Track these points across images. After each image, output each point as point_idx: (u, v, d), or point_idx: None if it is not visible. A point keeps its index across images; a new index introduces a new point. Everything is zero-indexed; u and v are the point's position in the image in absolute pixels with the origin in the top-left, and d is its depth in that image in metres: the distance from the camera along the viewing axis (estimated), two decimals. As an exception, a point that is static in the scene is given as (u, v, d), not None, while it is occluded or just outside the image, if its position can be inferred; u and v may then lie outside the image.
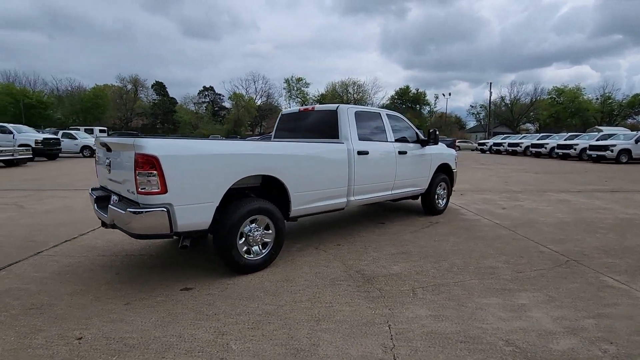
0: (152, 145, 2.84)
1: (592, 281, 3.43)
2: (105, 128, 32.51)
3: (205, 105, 65.42)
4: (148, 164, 2.81)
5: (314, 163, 4.07)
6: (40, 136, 19.38)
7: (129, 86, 65.32)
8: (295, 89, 64.83)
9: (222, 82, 79.84)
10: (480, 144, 36.08)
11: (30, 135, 19.40)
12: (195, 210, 3.08)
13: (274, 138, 5.58)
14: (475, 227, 5.44)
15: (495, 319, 2.70)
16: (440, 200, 6.33)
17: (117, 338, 2.40)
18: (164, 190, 2.87)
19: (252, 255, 3.54)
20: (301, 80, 64.64)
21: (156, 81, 62.09)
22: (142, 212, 2.83)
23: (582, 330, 2.55)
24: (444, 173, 6.40)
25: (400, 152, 5.26)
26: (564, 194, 8.84)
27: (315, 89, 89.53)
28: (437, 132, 5.75)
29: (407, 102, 70.42)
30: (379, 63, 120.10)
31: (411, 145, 5.58)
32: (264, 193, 3.90)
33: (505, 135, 35.79)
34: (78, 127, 29.11)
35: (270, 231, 3.66)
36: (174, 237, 3.16)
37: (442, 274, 3.60)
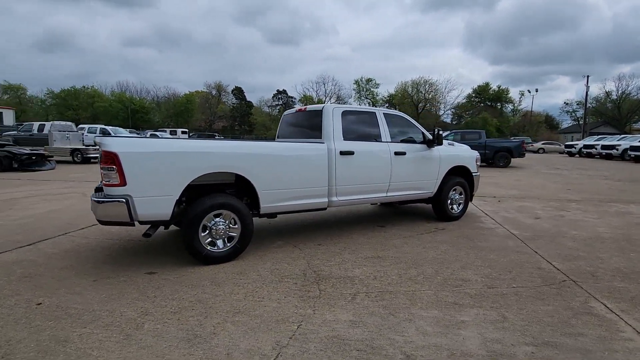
0: (113, 143, 3.25)
1: (574, 306, 2.92)
2: (187, 130, 36.43)
3: (278, 107, 68.87)
4: (109, 159, 3.22)
5: (286, 162, 4.15)
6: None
7: (214, 92, 72.13)
8: (365, 89, 64.54)
9: (294, 85, 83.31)
10: (567, 146, 31.61)
11: (132, 137, 22.64)
12: (154, 202, 3.42)
13: (277, 138, 5.78)
14: (481, 236, 4.94)
15: (416, 332, 2.51)
16: (455, 206, 5.86)
17: (65, 307, 2.82)
18: (123, 183, 3.26)
19: (216, 248, 3.78)
20: (371, 81, 64.16)
21: (236, 86, 67.43)
22: (104, 201, 3.25)
23: (509, 357, 2.23)
24: (461, 176, 5.92)
25: (397, 153, 5.03)
26: (633, 205, 7.42)
27: (385, 90, 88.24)
28: (441, 132, 5.34)
29: (487, 100, 65.02)
30: (462, 59, 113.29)
31: (413, 145, 5.28)
32: (241, 190, 4.11)
33: (600, 136, 30.78)
34: (165, 129, 33.19)
35: (236, 226, 3.86)
36: (135, 225, 3.53)
37: (401, 281, 3.40)
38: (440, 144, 5.36)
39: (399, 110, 6.02)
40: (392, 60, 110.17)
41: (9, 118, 48.12)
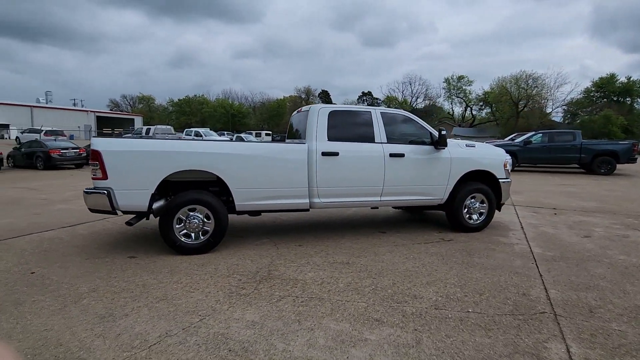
0: (98, 143, 3.79)
1: (523, 343, 2.38)
2: (271, 132, 39.01)
3: (363, 109, 68.98)
4: (94, 156, 3.76)
5: (260, 162, 4.24)
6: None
7: (303, 95, 75.76)
8: (456, 87, 60.11)
9: (379, 86, 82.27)
10: None
11: (213, 138, 25.49)
12: (132, 194, 3.87)
13: (287, 138, 5.89)
14: (487, 252, 4.28)
15: (305, 343, 2.36)
16: (474, 215, 5.17)
17: (47, 277, 3.41)
18: (105, 177, 3.77)
19: (190, 240, 4.09)
20: (463, 78, 59.42)
21: (322, 90, 69.60)
22: (91, 192, 3.82)
23: (377, 385, 1.96)
24: (483, 182, 5.20)
25: (392, 155, 4.69)
26: None
27: (479, 87, 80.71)
28: (444, 133, 4.75)
29: (611, 94, 54.34)
30: (587, 49, 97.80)
31: (415, 147, 4.84)
32: (224, 188, 4.35)
33: None
34: (251, 132, 36.18)
35: (210, 221, 4.11)
36: (117, 213, 4.03)
37: (344, 290, 3.21)
38: (444, 145, 4.79)
39: (496, 109, 5.55)
40: (496, 55, 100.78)
41: (138, 123, 58.24)
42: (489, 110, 61.04)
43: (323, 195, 4.51)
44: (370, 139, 4.70)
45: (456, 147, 5.07)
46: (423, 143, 4.90)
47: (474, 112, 63.95)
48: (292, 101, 75.18)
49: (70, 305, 2.86)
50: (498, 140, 19.99)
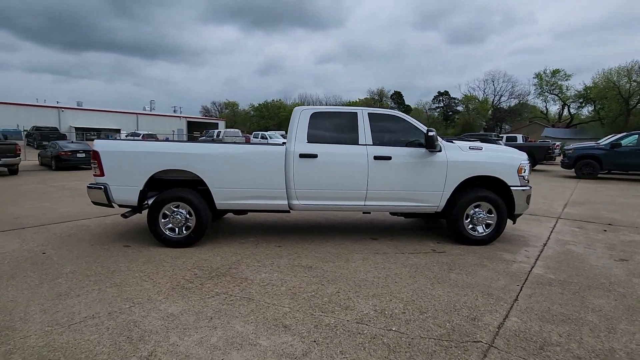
0: (97, 144, 4.34)
1: (420, 372, 2.09)
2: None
3: (438, 110, 65.37)
4: (94, 156, 4.31)
5: (237, 163, 4.38)
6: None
7: (376, 97, 74.93)
8: (549, 83, 53.17)
9: (457, 85, 76.98)
10: None
11: (277, 140, 26.75)
12: (123, 190, 4.34)
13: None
14: (472, 268, 3.79)
15: (193, 338, 2.42)
16: (479, 227, 4.61)
17: (51, 258, 4.02)
18: (102, 174, 4.30)
19: (174, 233, 4.42)
20: (558, 72, 52.23)
21: (395, 91, 67.88)
22: (92, 187, 4.39)
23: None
24: (491, 190, 4.60)
25: (377, 157, 4.43)
26: None
27: (579, 81, 69.96)
28: (434, 133, 4.29)
29: None
30: None
31: (405, 149, 4.50)
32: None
33: None
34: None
35: (192, 217, 4.40)
36: (114, 206, 4.52)
37: (281, 294, 3.17)
38: (432, 147, 4.35)
39: (600, 106, 5.15)
40: (609, 45, 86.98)
41: (222, 127, 63.80)
42: (592, 108, 52.71)
43: (301, 197, 4.48)
44: (353, 140, 4.52)
45: (455, 150, 4.57)
46: (415, 145, 4.53)
47: (571, 111, 55.90)
48: (365, 103, 74.89)
49: (45, 282, 3.35)
50: (585, 143, 17.27)
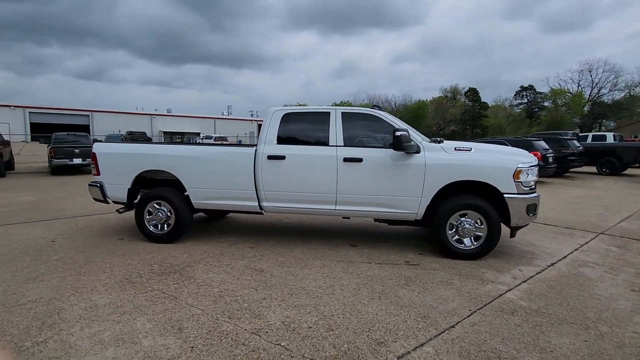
0: (95, 146, 4.82)
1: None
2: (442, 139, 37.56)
3: (521, 106, 58.95)
4: (93, 157, 4.82)
5: (209, 164, 4.49)
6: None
7: (449, 95, 70.66)
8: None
9: (544, 78, 68.18)
10: None
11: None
12: (115, 188, 4.77)
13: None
14: (429, 286, 3.33)
15: (90, 331, 2.55)
16: (466, 239, 4.04)
17: (55, 246, 4.59)
18: (99, 173, 4.79)
19: (157, 229, 4.72)
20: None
21: (470, 88, 63.04)
22: (90, 185, 4.90)
23: None
24: (482, 197, 4.00)
25: (347, 159, 4.16)
26: None
27: None
28: (400, 134, 3.82)
29: None
30: None
31: (378, 151, 4.14)
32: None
33: None
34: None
35: (172, 215, 4.65)
36: (109, 202, 4.98)
37: (208, 296, 3.17)
38: (399, 149, 3.90)
39: None
40: None
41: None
42: None
43: (270, 199, 4.43)
44: (324, 142, 4.31)
45: (436, 152, 4.08)
46: (387, 147, 4.15)
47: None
48: (437, 102, 71.11)
49: (30, 267, 3.84)
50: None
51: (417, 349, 2.34)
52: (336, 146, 4.26)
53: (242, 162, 4.43)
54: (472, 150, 4.08)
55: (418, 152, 4.07)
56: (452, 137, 59.71)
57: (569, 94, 48.56)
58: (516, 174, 3.89)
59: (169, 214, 4.66)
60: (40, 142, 28.78)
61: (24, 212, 6.65)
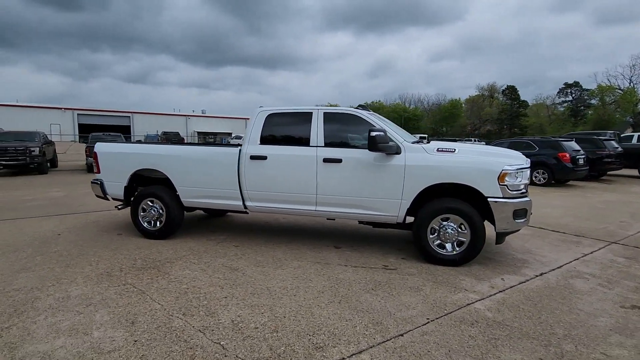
0: (96, 146, 5.11)
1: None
2: (426, 135, 36.50)
3: (565, 104, 55.27)
4: (94, 156, 5.10)
5: (198, 163, 4.61)
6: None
7: (486, 93, 67.74)
8: None
9: (592, 74, 63.24)
10: None
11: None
12: (114, 185, 5.02)
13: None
14: (395, 292, 3.21)
15: (52, 320, 2.70)
16: (447, 244, 3.86)
17: (59, 239, 4.92)
18: (99, 171, 5.07)
19: (150, 226, 4.91)
20: None
21: (508, 85, 60.05)
22: (92, 182, 5.19)
23: None
24: (466, 200, 3.81)
25: (327, 160, 4.11)
26: None
27: None
28: (375, 134, 3.69)
29: None
30: None
31: (358, 152, 4.05)
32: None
33: None
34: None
35: (164, 212, 4.83)
36: (109, 199, 5.24)
37: (173, 291, 3.26)
38: (374, 149, 3.77)
39: None
40: None
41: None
42: None
43: (253, 199, 4.47)
44: (305, 142, 4.29)
45: (417, 153, 3.92)
46: (364, 146, 4.04)
47: None
48: (472, 101, 68.41)
49: (29, 257, 4.14)
50: None
51: (354, 356, 2.27)
52: (317, 146, 4.23)
53: (227, 162, 4.51)
54: (456, 152, 3.89)
55: (398, 153, 3.94)
56: (487, 137, 57.17)
57: (619, 91, 44.87)
58: (501, 177, 3.65)
59: (160, 211, 4.84)
60: (83, 142, 31.04)
61: (48, 206, 7.18)
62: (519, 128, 57.31)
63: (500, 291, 3.26)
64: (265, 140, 4.44)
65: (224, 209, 4.77)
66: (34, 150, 13.86)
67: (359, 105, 4.67)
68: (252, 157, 4.39)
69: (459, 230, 3.83)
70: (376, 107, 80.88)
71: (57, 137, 40.37)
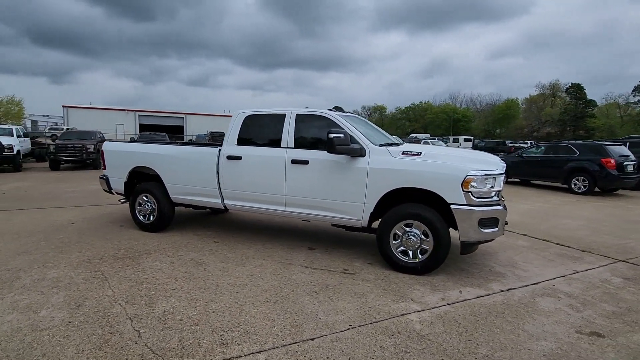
0: (104, 144, 5.61)
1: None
2: (472, 137, 34.56)
3: (641, 104, 49.22)
4: (102, 154, 5.61)
5: (183, 162, 4.87)
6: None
7: (547, 92, 62.55)
8: None
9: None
10: None
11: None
12: (116, 181, 5.48)
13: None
14: (337, 298, 3.15)
15: (18, 298, 3.05)
16: (410, 251, 3.69)
17: (71, 228, 5.49)
18: (105, 167, 5.56)
19: (145, 220, 5.30)
20: None
21: (572, 84, 54.66)
22: (100, 178, 5.71)
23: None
24: (432, 207, 3.62)
25: (294, 161, 4.13)
26: None
27: None
28: (333, 136, 3.59)
29: None
30: None
31: (325, 153, 4.00)
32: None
33: None
34: (448, 137, 33.86)
35: (155, 207, 5.18)
36: (114, 193, 5.71)
37: (132, 282, 3.50)
38: (332, 151, 3.68)
39: None
40: None
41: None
42: None
43: (230, 197, 4.63)
44: (277, 143, 4.35)
45: (382, 156, 3.80)
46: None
47: None
48: (532, 101, 63.43)
49: (36, 242, 4.67)
50: None
51: (251, 355, 2.30)
52: (287, 148, 4.28)
53: (208, 162, 4.72)
54: (421, 155, 3.71)
55: (362, 155, 3.86)
56: (547, 139, 52.68)
57: None
58: (465, 183, 3.42)
59: (153, 206, 5.19)
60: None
61: (80, 198, 8.01)
62: (584, 130, 52.10)
63: (448, 304, 3.06)
64: (241, 141, 4.58)
65: (207, 206, 5.00)
66: (89, 148, 15.43)
67: (335, 107, 4.63)
68: (229, 157, 4.55)
69: (422, 237, 3.65)
70: (423, 108, 78.34)
71: (121, 135, 44.53)
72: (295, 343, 2.45)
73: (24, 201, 7.52)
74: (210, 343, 2.44)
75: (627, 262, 4.22)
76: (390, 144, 4.17)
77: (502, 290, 3.37)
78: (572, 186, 10.23)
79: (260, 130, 4.60)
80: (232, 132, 4.67)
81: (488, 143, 31.87)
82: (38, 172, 13.72)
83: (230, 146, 4.62)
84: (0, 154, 13.71)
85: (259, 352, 2.33)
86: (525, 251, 4.60)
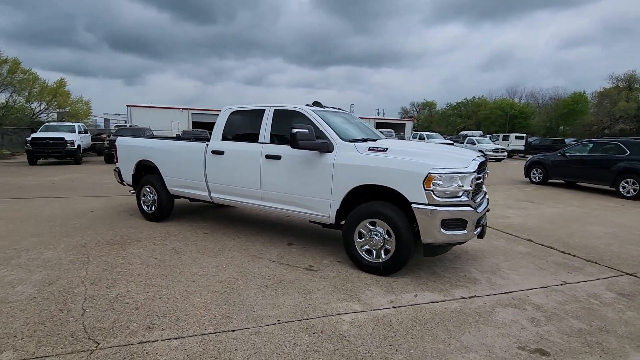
0: (117, 139, 6.09)
1: None
2: (524, 135, 31.62)
3: None
4: (115, 148, 6.10)
5: (177, 156, 5.13)
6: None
7: (621, 84, 55.82)
8: None
9: None
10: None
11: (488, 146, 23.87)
12: (126, 173, 5.94)
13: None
14: (284, 293, 3.14)
15: (16, 277, 3.46)
16: (374, 251, 3.56)
17: (90, 214, 6.08)
18: (117, 160, 6.05)
19: (148, 210, 5.68)
20: None
21: (653, 74, 48.10)
22: (114, 170, 6.21)
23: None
24: (396, 205, 3.46)
25: (268, 156, 4.17)
26: None
27: None
28: (295, 131, 3.51)
29: None
30: None
31: (296, 149, 3.98)
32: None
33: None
34: (499, 134, 31.50)
35: (156, 198, 5.54)
36: (124, 184, 6.17)
37: (109, 266, 3.78)
38: (295, 147, 3.61)
39: None
40: None
41: (408, 128, 63.59)
42: None
43: (214, 190, 4.80)
44: (255, 138, 4.41)
45: (348, 151, 3.69)
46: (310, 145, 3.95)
47: None
48: (603, 95, 56.94)
49: (53, 226, 5.24)
50: None
51: (167, 340, 2.39)
52: (263, 143, 4.33)
53: (196, 156, 4.94)
54: (387, 151, 3.55)
55: (329, 151, 3.79)
56: (621, 136, 47.01)
57: None
58: (427, 181, 3.21)
59: (154, 197, 5.56)
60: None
61: (111, 189, 8.77)
62: (666, 127, 45.71)
63: (394, 307, 2.92)
64: (225, 136, 4.73)
65: (198, 198, 5.23)
66: (137, 143, 16.83)
67: (314, 102, 4.58)
68: (213, 152, 4.72)
69: (386, 237, 3.50)
70: (477, 104, 73.88)
71: (176, 132, 48.00)
72: (215, 333, 2.51)
73: (67, 190, 8.43)
74: (138, 327, 2.58)
75: (635, 276, 3.68)
76: (364, 140, 4.04)
77: (463, 297, 3.13)
78: (621, 189, 9.08)
79: (242, 126, 4.71)
80: (217, 127, 4.83)
81: (543, 141, 29.16)
82: (94, 165, 15.24)
83: (215, 141, 4.79)
84: (63, 148, 15.52)
85: (175, 339, 2.43)
86: (519, 258, 4.20)
